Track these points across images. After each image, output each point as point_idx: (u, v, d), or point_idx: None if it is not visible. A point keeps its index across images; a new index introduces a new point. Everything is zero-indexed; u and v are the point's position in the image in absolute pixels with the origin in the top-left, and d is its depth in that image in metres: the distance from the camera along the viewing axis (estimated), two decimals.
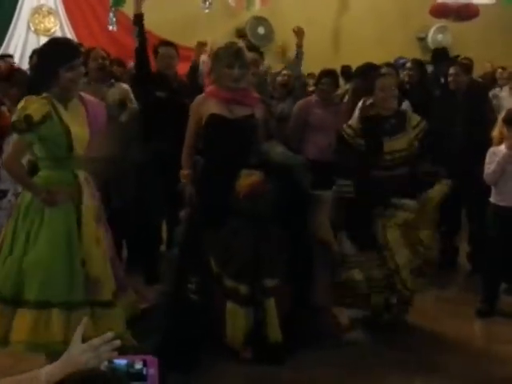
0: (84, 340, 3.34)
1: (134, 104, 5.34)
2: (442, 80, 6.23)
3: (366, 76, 5.68)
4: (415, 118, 4.41)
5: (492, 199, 4.70)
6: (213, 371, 3.82)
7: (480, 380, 3.84)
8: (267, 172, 3.97)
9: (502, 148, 4.65)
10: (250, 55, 4.29)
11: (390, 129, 4.32)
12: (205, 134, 4.12)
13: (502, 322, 4.72)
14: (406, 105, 5.39)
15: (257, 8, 10.72)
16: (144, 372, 1.52)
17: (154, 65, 5.41)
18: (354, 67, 6.70)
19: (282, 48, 10.52)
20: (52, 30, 10.36)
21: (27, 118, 3.33)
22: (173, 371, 3.32)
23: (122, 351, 1.56)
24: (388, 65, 6.53)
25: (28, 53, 8.57)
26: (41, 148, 3.46)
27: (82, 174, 3.55)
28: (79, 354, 1.53)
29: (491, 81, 8.66)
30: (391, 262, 4.18)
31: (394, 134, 4.31)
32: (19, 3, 10.16)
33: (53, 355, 2.94)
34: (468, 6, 10.90)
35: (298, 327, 4.04)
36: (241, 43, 4.27)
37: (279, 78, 6.64)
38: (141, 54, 5.15)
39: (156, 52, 5.38)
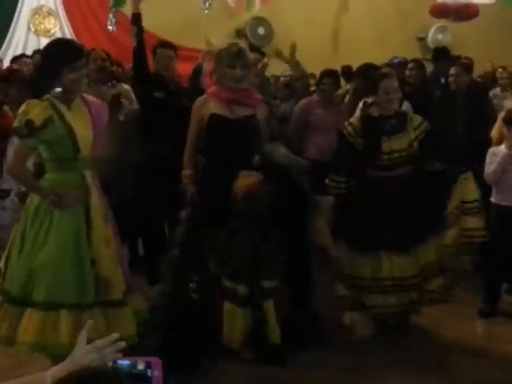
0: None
1: (134, 105, 5.34)
2: (443, 80, 6.23)
3: (366, 76, 5.69)
4: (417, 119, 4.41)
5: (493, 199, 4.71)
6: (213, 372, 3.83)
7: (481, 381, 3.83)
8: (267, 173, 3.98)
9: (502, 148, 4.65)
10: (251, 56, 4.30)
11: (389, 129, 4.32)
12: (206, 135, 4.13)
13: (503, 322, 4.72)
14: (406, 106, 5.39)
15: (256, 8, 10.73)
16: (149, 374, 1.53)
17: (152, 65, 5.41)
18: (353, 67, 6.71)
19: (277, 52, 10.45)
20: (52, 31, 10.37)
21: (28, 124, 3.32)
22: (173, 372, 3.32)
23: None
24: (387, 65, 6.55)
25: (28, 54, 8.58)
26: (46, 151, 3.45)
27: (88, 175, 3.55)
28: (83, 355, 1.53)
29: (491, 80, 8.66)
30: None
31: (393, 134, 4.31)
32: (19, 4, 10.16)
33: (58, 358, 2.93)
34: (468, 6, 10.91)
35: (298, 328, 4.05)
36: (242, 44, 4.28)
37: (282, 79, 6.65)
38: (139, 53, 5.15)
39: (154, 53, 5.38)
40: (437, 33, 12.25)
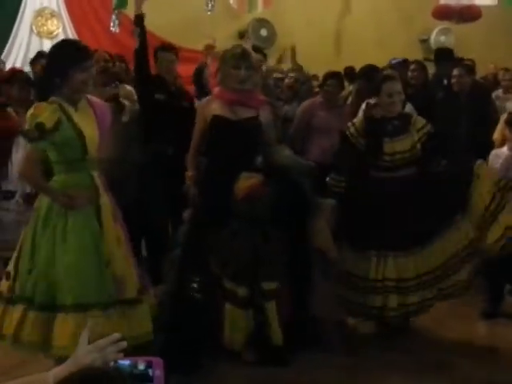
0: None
1: (136, 106, 5.35)
2: (445, 81, 6.23)
3: (369, 77, 5.70)
4: (420, 121, 4.40)
5: None
6: (214, 373, 3.83)
7: (483, 382, 3.82)
8: (268, 175, 3.98)
9: (505, 150, 4.65)
10: (256, 57, 4.32)
11: (392, 130, 4.32)
12: (208, 136, 4.13)
13: (505, 323, 4.71)
14: (409, 107, 5.39)
15: (259, 10, 10.72)
16: (150, 373, 1.53)
17: (153, 67, 5.43)
18: (356, 69, 6.71)
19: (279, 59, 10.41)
20: (55, 33, 10.38)
21: (39, 126, 3.33)
22: (175, 372, 3.32)
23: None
24: (389, 67, 6.54)
25: (31, 55, 8.59)
26: (55, 153, 3.45)
27: (96, 175, 3.56)
28: (85, 355, 1.53)
29: (493, 82, 8.65)
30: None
31: (395, 136, 4.31)
32: (22, 6, 10.17)
33: (61, 358, 2.94)
34: (470, 8, 10.90)
35: (299, 330, 4.04)
36: (247, 45, 4.30)
37: (287, 81, 6.66)
38: (141, 55, 5.16)
39: (155, 56, 5.39)
40: (439, 35, 12.24)
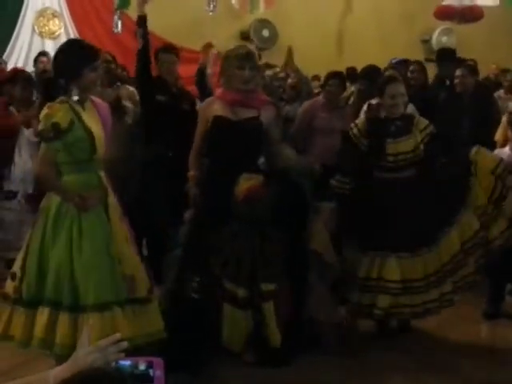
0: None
1: (138, 107, 5.35)
2: (448, 82, 6.22)
3: (370, 78, 5.69)
4: (423, 122, 4.40)
5: None
6: (213, 373, 3.83)
7: (484, 382, 3.82)
8: (268, 176, 3.98)
9: (507, 150, 4.65)
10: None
11: (395, 131, 4.33)
12: (209, 136, 4.13)
13: (507, 324, 4.71)
14: (410, 108, 5.38)
15: (261, 11, 10.72)
16: (151, 374, 1.53)
17: (154, 69, 5.43)
18: (358, 69, 6.71)
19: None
20: (56, 33, 10.38)
21: (55, 126, 3.33)
22: (178, 372, 3.32)
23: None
24: (390, 67, 6.54)
25: (33, 56, 8.60)
26: (64, 153, 3.44)
27: (103, 175, 3.57)
28: (86, 355, 1.53)
29: (495, 83, 8.65)
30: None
31: (398, 136, 4.31)
32: (24, 6, 10.18)
33: (62, 358, 2.94)
34: (472, 8, 10.88)
35: (299, 330, 4.04)
36: (251, 46, 4.30)
37: (290, 81, 6.67)
38: (143, 56, 5.17)
39: (156, 57, 5.40)
40: (441, 35, 12.23)
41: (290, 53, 6.30)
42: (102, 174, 3.56)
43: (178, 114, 5.06)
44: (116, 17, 9.20)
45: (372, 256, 4.25)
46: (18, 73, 5.68)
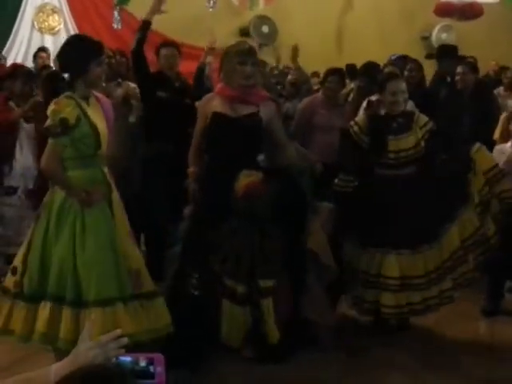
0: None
1: (139, 103, 5.35)
2: (449, 79, 6.22)
3: (370, 75, 5.69)
4: (423, 119, 4.41)
5: None
6: (213, 369, 3.83)
7: (482, 379, 3.83)
8: (268, 173, 3.98)
9: (509, 145, 4.65)
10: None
11: (396, 128, 4.33)
12: (208, 133, 4.13)
13: (505, 321, 4.71)
14: (410, 104, 5.38)
15: (260, 7, 10.73)
16: (151, 370, 1.53)
17: (156, 65, 5.42)
18: (358, 66, 6.70)
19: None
20: (56, 29, 10.38)
21: (63, 122, 3.34)
22: (177, 368, 3.33)
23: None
24: (390, 64, 6.53)
25: (32, 51, 8.59)
26: (70, 149, 3.44)
27: (107, 170, 3.58)
28: (87, 351, 1.53)
29: (495, 80, 8.65)
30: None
31: (399, 133, 4.32)
32: (23, 2, 10.18)
33: (63, 353, 2.94)
34: (472, 5, 10.89)
35: (298, 328, 4.04)
36: (253, 43, 4.30)
37: (289, 77, 6.66)
38: (137, 56, 5.14)
39: (158, 52, 5.38)
40: (441, 32, 12.23)
41: (295, 51, 6.27)
42: (106, 169, 3.57)
43: (180, 109, 5.04)
44: (116, 12, 9.20)
45: (372, 252, 4.26)
46: (17, 68, 5.68)
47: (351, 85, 6.74)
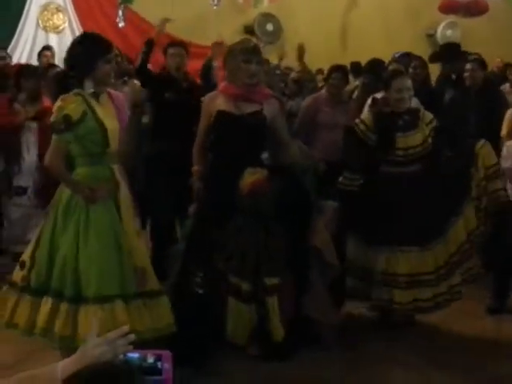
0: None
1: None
2: (454, 77, 6.20)
3: (375, 72, 5.67)
4: (428, 116, 4.42)
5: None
6: (218, 366, 3.83)
7: (488, 378, 3.82)
8: (272, 171, 3.98)
9: None
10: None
11: (403, 125, 4.33)
12: (213, 131, 4.14)
13: (511, 319, 4.70)
14: (415, 102, 5.37)
15: (265, 5, 10.72)
16: (159, 366, 1.54)
17: (164, 65, 5.43)
18: (362, 64, 6.69)
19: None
20: (61, 27, 10.39)
21: (66, 118, 3.35)
22: (182, 365, 3.33)
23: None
24: (394, 61, 6.51)
25: (37, 50, 8.61)
26: (77, 145, 3.46)
27: (116, 168, 3.58)
28: (94, 348, 1.54)
29: (500, 77, 8.62)
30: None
31: (407, 130, 4.32)
32: (28, 0, 10.19)
33: (67, 351, 2.95)
34: (477, 2, 10.86)
35: (301, 325, 4.05)
36: (256, 41, 4.30)
37: (293, 75, 6.65)
38: (142, 74, 5.22)
39: (165, 52, 5.39)
40: (446, 29, 12.19)
41: (301, 50, 6.28)
42: (116, 167, 3.58)
43: (187, 109, 5.06)
44: (120, 11, 9.21)
45: (377, 250, 4.26)
46: (24, 66, 5.71)
47: (356, 82, 6.73)
